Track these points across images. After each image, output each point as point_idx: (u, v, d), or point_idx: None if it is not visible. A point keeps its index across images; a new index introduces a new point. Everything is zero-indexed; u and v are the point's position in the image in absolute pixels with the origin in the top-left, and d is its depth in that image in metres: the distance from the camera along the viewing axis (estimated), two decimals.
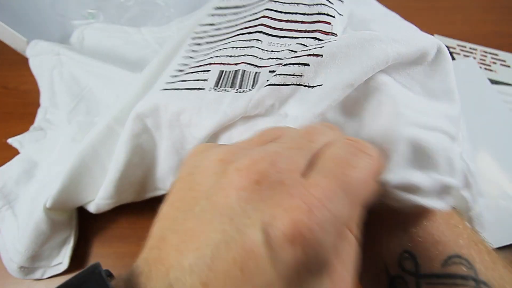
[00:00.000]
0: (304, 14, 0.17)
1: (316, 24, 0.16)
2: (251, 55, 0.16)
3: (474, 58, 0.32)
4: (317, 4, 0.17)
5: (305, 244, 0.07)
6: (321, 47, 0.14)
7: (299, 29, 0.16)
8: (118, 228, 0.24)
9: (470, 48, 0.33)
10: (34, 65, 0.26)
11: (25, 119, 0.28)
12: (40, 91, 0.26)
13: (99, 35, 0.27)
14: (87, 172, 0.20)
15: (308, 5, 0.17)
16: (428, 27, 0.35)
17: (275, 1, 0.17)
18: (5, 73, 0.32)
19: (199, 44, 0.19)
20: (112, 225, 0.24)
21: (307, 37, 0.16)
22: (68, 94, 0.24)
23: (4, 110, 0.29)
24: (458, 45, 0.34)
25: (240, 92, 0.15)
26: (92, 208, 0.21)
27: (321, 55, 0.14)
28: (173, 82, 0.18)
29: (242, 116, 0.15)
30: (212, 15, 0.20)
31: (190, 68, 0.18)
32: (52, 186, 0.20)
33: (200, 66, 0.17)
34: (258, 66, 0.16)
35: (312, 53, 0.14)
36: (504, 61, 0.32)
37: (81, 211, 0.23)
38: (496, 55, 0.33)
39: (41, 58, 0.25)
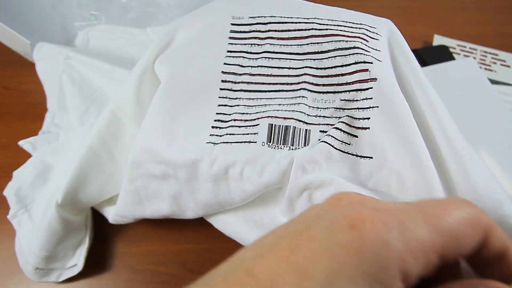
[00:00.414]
0: (342, 66, 0.17)
1: (354, 74, 0.16)
2: (299, 111, 0.16)
3: (474, 58, 0.33)
4: (353, 54, 0.17)
5: (364, 230, 0.08)
6: (367, 119, 0.16)
7: (340, 82, 0.17)
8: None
9: (470, 48, 0.34)
10: (41, 69, 0.26)
11: (25, 119, 0.28)
12: (46, 95, 0.26)
13: (104, 37, 0.27)
14: (96, 160, 0.20)
15: (345, 55, 0.17)
16: (428, 27, 0.36)
17: (313, 59, 0.17)
18: (5, 73, 0.32)
19: (233, 90, 0.18)
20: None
21: (349, 91, 0.16)
22: (80, 97, 0.24)
23: (4, 110, 0.29)
24: (458, 45, 0.34)
25: (293, 149, 0.16)
26: (110, 219, 0.21)
27: (368, 128, 0.15)
28: (219, 136, 0.17)
29: (297, 171, 0.15)
30: (240, 57, 0.18)
31: (234, 121, 0.17)
32: (63, 181, 0.20)
33: (247, 120, 0.17)
34: (306, 123, 0.16)
35: (360, 126, 0.16)
36: (504, 61, 0.33)
37: (97, 211, 0.23)
38: (496, 55, 0.33)
39: (48, 61, 0.25)
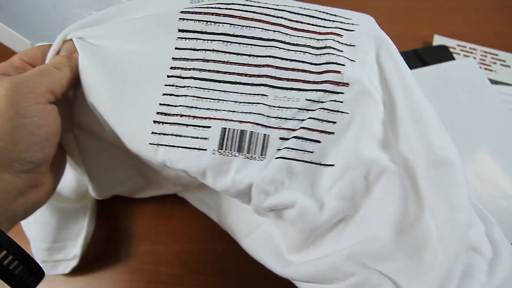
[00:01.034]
0: (311, 63, 0.15)
1: (325, 74, 0.15)
2: (257, 113, 0.15)
3: (474, 58, 0.33)
4: (324, 54, 0.15)
5: None
6: (333, 123, 0.14)
7: (307, 79, 0.15)
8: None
9: (470, 48, 0.34)
10: None
11: None
12: None
13: None
14: None
15: (316, 55, 0.15)
16: (428, 27, 0.36)
17: (279, 48, 0.15)
18: None
19: (181, 77, 0.15)
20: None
21: (316, 90, 0.15)
22: None
23: None
24: (458, 45, 0.34)
25: (248, 158, 0.14)
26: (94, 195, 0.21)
27: (333, 133, 0.14)
28: (164, 134, 0.15)
29: (259, 196, 0.14)
30: (192, 38, 0.15)
31: (181, 117, 0.15)
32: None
33: (195, 117, 0.15)
34: (265, 126, 0.14)
35: (324, 130, 0.14)
36: (504, 61, 0.33)
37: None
38: (496, 55, 0.33)
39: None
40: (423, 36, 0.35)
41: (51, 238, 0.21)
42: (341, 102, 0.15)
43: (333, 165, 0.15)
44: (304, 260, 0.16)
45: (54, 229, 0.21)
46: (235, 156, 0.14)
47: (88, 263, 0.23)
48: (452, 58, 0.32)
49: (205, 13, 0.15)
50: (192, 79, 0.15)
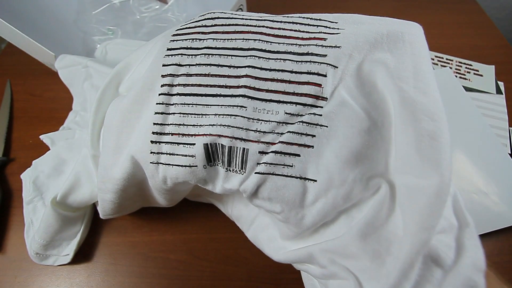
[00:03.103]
0: (291, 72, 0.14)
1: (305, 86, 0.14)
2: (236, 127, 0.14)
3: (450, 68, 0.35)
4: (306, 62, 0.14)
5: None
6: (312, 137, 0.14)
7: (286, 90, 0.14)
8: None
9: (447, 59, 0.36)
10: (64, 76, 0.28)
11: (49, 122, 0.31)
12: (73, 97, 0.29)
13: (120, 49, 0.29)
14: (86, 169, 0.21)
15: (297, 61, 0.14)
16: None
17: (259, 57, 0.14)
18: (32, 82, 0.34)
19: (169, 94, 0.15)
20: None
21: (296, 103, 0.14)
22: None
23: (31, 115, 0.32)
24: (436, 56, 0.36)
25: (230, 171, 0.14)
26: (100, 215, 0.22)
27: (312, 146, 0.14)
28: (161, 154, 0.15)
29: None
30: (177, 54, 0.15)
31: (172, 135, 0.15)
32: (62, 183, 0.22)
33: (183, 135, 0.15)
34: (244, 140, 0.14)
35: (303, 143, 0.14)
36: (477, 70, 0.35)
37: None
38: (470, 65, 0.35)
39: (70, 69, 0.27)
40: None
41: (50, 237, 0.22)
42: (320, 115, 0.14)
43: (315, 180, 0.14)
44: (295, 247, 0.16)
45: (55, 231, 0.22)
46: (221, 166, 0.15)
47: (106, 251, 0.24)
48: None
49: (192, 33, 0.16)
50: (178, 96, 0.15)
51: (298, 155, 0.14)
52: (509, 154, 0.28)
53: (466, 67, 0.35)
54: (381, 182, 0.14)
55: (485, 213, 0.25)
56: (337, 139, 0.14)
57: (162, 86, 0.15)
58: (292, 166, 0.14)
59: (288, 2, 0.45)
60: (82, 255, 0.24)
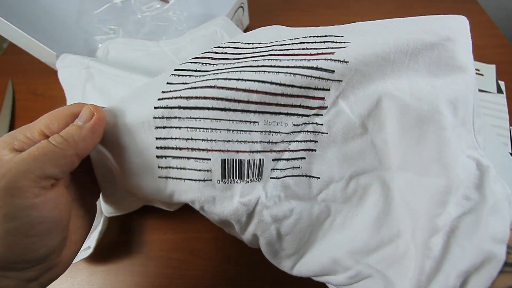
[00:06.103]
0: (301, 87, 0.14)
1: (311, 100, 0.15)
2: (252, 142, 0.15)
3: None
4: (315, 77, 0.14)
5: None
6: (315, 142, 0.15)
7: (294, 104, 0.15)
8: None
9: None
10: (63, 76, 0.28)
11: None
12: (67, 99, 0.28)
13: (122, 49, 0.29)
14: None
15: (306, 76, 0.14)
16: None
17: (268, 73, 0.14)
18: (34, 81, 0.35)
19: (168, 107, 0.15)
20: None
21: (302, 115, 0.15)
22: (101, 102, 0.26)
23: (33, 114, 0.30)
24: None
25: (248, 182, 0.15)
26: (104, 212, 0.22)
27: (315, 150, 0.16)
28: (170, 168, 0.15)
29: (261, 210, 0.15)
30: (185, 75, 0.15)
31: (180, 150, 0.15)
32: None
33: (193, 149, 0.14)
34: (260, 152, 0.15)
35: (307, 148, 0.16)
36: (478, 70, 0.35)
37: None
38: None
39: (70, 70, 0.27)
40: None
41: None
42: (321, 124, 0.15)
43: (318, 177, 0.16)
44: (303, 261, 0.17)
45: None
46: (237, 183, 0.15)
47: (107, 251, 0.24)
48: None
49: (202, 57, 0.16)
50: (181, 109, 0.14)
51: (304, 158, 0.16)
52: (510, 153, 0.28)
53: None
54: (374, 177, 0.16)
55: None
56: (335, 143, 0.16)
57: (160, 99, 0.15)
58: (299, 167, 0.16)
59: (289, 0, 0.45)
60: None
